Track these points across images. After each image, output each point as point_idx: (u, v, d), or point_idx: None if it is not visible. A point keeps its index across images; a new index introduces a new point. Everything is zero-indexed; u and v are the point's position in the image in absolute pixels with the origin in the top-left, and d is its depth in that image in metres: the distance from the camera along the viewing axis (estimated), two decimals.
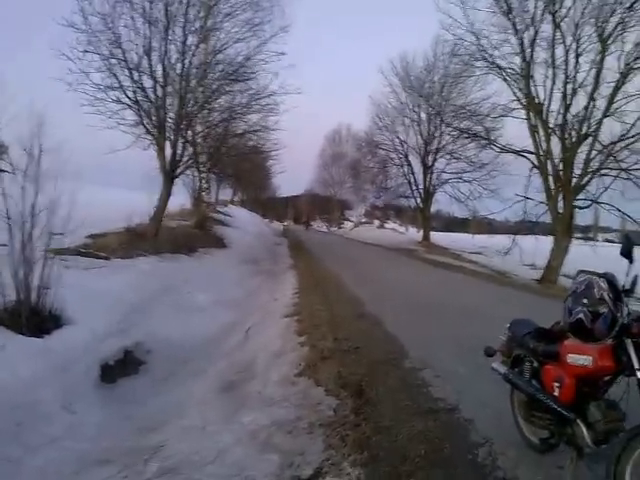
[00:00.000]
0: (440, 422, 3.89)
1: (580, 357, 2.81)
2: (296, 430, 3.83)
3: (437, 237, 32.69)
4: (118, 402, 5.49)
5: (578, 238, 18.05)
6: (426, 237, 30.89)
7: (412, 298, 9.71)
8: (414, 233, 38.73)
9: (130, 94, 12.43)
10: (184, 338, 7.56)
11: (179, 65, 12.84)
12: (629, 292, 2.73)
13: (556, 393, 3.01)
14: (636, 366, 2.52)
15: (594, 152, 15.75)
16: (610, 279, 2.75)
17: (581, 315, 2.78)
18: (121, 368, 6.26)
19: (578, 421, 2.84)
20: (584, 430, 2.79)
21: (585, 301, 2.79)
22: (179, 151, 13.34)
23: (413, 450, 3.42)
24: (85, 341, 5.75)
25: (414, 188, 31.23)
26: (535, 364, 3.31)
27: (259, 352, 6.51)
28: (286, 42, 13.98)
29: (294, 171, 72.37)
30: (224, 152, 17.06)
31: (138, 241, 11.35)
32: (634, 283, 2.74)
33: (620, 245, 2.84)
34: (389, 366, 5.35)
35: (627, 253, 2.75)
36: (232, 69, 13.74)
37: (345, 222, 69.40)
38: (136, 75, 12.35)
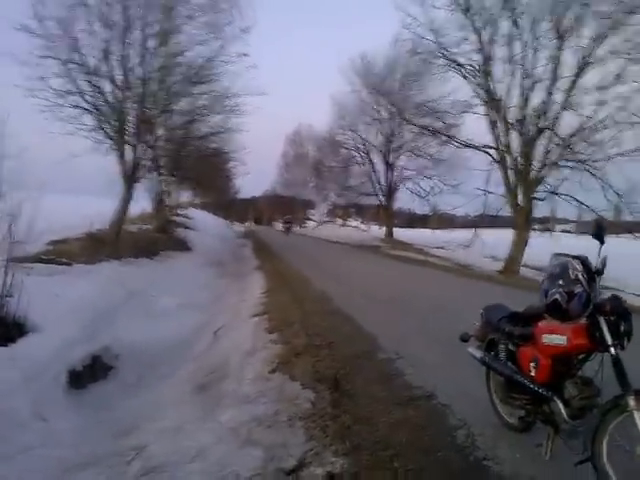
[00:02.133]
0: (418, 409, 3.98)
1: (555, 337, 2.94)
2: (276, 424, 3.85)
3: (400, 233, 33.15)
4: (89, 408, 5.41)
5: (536, 230, 18.61)
6: (389, 234, 31.28)
7: (381, 293, 9.84)
8: (376, 230, 39.05)
9: (89, 99, 12.16)
10: (152, 342, 7.48)
11: (139, 69, 12.62)
12: (600, 272, 2.88)
13: (532, 373, 3.14)
14: (609, 342, 2.68)
15: (552, 145, 16.31)
16: (584, 260, 2.90)
17: (557, 296, 2.91)
18: (90, 374, 6.17)
19: (555, 399, 2.97)
20: (561, 407, 2.92)
21: (561, 282, 2.91)
22: (140, 155, 13.13)
23: (393, 438, 3.50)
24: (52, 348, 5.64)
25: (377, 186, 31.56)
26: (511, 347, 3.43)
27: (230, 352, 6.49)
28: (248, 44, 13.94)
29: (255, 172, 71.74)
30: (185, 155, 16.88)
31: (100, 246, 11.14)
32: (604, 263, 2.88)
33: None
34: (363, 359, 5.42)
35: (598, 235, 2.90)
36: (193, 72, 13.63)
37: (308, 222, 69.45)
38: (95, 80, 12.09)
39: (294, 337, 6.40)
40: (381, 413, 3.92)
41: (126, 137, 12.70)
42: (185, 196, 34.13)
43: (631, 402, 2.53)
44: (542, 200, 17.16)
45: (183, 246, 17.19)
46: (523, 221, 16.67)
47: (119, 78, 12.37)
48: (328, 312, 7.95)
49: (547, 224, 19.41)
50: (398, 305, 8.54)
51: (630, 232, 16.52)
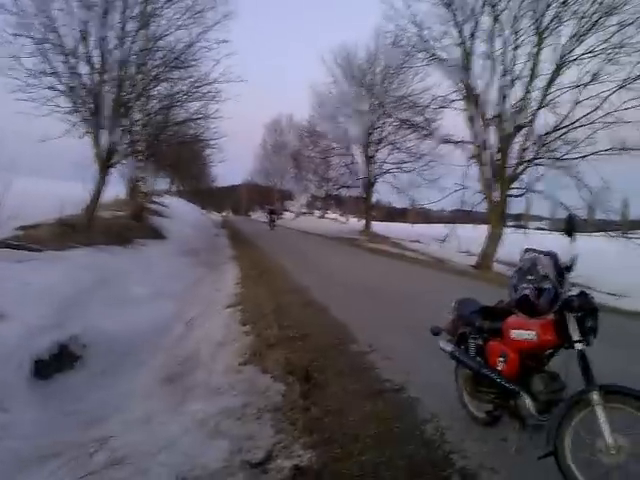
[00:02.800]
0: (389, 402, 4.01)
1: (524, 332, 2.99)
2: (245, 416, 3.84)
3: (378, 226, 33.18)
4: (55, 398, 5.30)
5: (511, 226, 18.85)
6: (367, 226, 31.32)
7: (356, 285, 9.86)
8: (355, 223, 39.05)
9: (65, 80, 11.85)
10: (122, 331, 7.37)
11: (117, 51, 12.35)
12: (570, 269, 2.92)
13: (500, 367, 3.18)
14: (575, 338, 2.74)
15: (529, 142, 16.44)
16: (553, 257, 2.93)
17: (527, 291, 2.94)
18: (56, 363, 6.03)
19: (522, 393, 3.02)
20: (528, 401, 2.97)
21: (530, 277, 2.95)
22: (115, 140, 12.88)
23: (363, 430, 3.51)
24: (16, 336, 5.50)
25: (356, 178, 31.57)
26: (480, 341, 3.47)
27: (202, 343, 6.45)
28: (229, 30, 13.79)
29: (234, 161, 70.80)
30: (163, 141, 16.65)
31: (71, 232, 10.92)
32: (574, 260, 2.93)
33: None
34: (336, 351, 5.43)
35: (569, 231, 2.94)
36: (173, 56, 13.39)
37: (286, 212, 69.32)
38: (72, 61, 11.76)
39: (267, 329, 6.38)
40: (351, 406, 3.94)
41: (102, 121, 12.43)
42: (161, 183, 33.79)
43: (595, 397, 2.59)
44: (517, 197, 17.32)
45: (158, 234, 16.95)
46: (498, 217, 16.82)
47: (96, 60, 12.09)
48: (303, 304, 7.94)
49: (521, 221, 19.63)
50: (373, 297, 8.57)
51: (603, 231, 16.85)
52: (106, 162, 12.61)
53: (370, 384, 4.42)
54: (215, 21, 13.39)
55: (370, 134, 29.97)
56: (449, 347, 3.72)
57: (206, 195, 61.04)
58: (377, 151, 30.27)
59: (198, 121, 17.38)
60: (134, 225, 15.80)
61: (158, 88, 14.63)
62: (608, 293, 11.52)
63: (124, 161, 14.96)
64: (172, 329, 7.84)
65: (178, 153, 21.28)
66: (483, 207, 17.77)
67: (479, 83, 17.14)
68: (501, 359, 3.19)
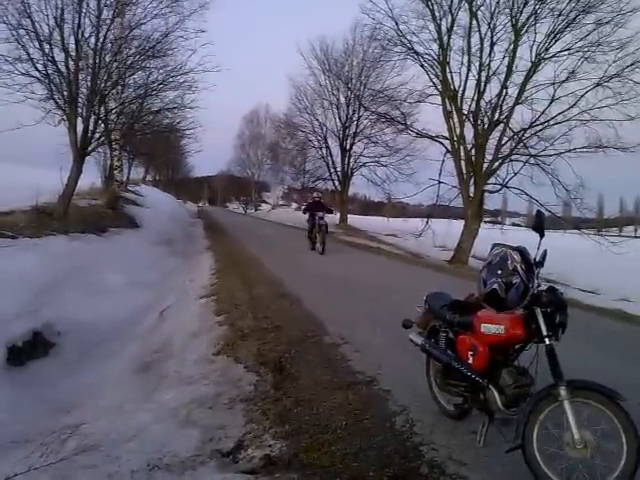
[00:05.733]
0: (360, 394, 4.04)
1: (493, 326, 3.02)
2: (216, 406, 3.86)
3: (354, 220, 33.27)
4: (28, 385, 5.26)
5: (487, 222, 19.11)
6: (343, 220, 31.38)
7: (331, 278, 9.90)
8: (331, 216, 39.06)
9: (40, 67, 11.57)
10: (96, 320, 7.32)
11: (93, 39, 12.07)
12: (539, 264, 2.96)
13: (470, 361, 3.21)
14: (544, 333, 2.77)
15: (505, 138, 16.68)
16: (523, 252, 2.97)
17: (495, 286, 2.96)
18: (30, 350, 5.99)
19: (490, 387, 3.06)
20: (496, 395, 3.01)
21: (499, 272, 2.97)
22: (91, 128, 12.62)
23: (334, 421, 3.55)
24: None
25: (332, 171, 31.55)
26: (451, 334, 3.50)
27: (175, 333, 6.44)
28: (206, 19, 13.62)
29: (210, 151, 69.93)
30: (138, 130, 16.43)
31: (46, 220, 10.74)
32: (544, 256, 2.97)
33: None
34: (309, 343, 5.46)
35: (538, 228, 2.97)
36: (149, 45, 13.17)
37: (263, 204, 68.98)
38: (47, 47, 11.49)
39: (241, 319, 6.40)
40: (323, 397, 3.97)
41: (78, 109, 12.19)
42: (137, 172, 33.31)
43: (562, 392, 2.64)
44: (493, 193, 17.59)
45: (133, 223, 16.73)
46: (474, 212, 17.01)
47: (72, 47, 11.82)
48: (277, 295, 7.95)
49: (498, 217, 19.95)
50: (347, 290, 8.61)
51: (578, 229, 17.17)
52: (81, 150, 12.37)
53: (342, 376, 4.46)
54: (192, 10, 13.21)
55: (347, 127, 29.96)
56: (420, 340, 3.75)
57: (182, 185, 60.35)
58: (353, 144, 30.25)
59: (174, 111, 17.15)
60: (110, 214, 15.57)
61: (134, 77, 14.43)
62: (580, 289, 11.75)
63: (99, 149, 14.73)
64: (146, 318, 7.81)
65: (154, 142, 20.97)
66: (459, 202, 17.93)
67: (456, 78, 17.32)
68: (471, 353, 3.21)
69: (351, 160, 30.56)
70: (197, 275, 10.51)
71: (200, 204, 73.76)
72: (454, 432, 3.44)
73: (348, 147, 30.26)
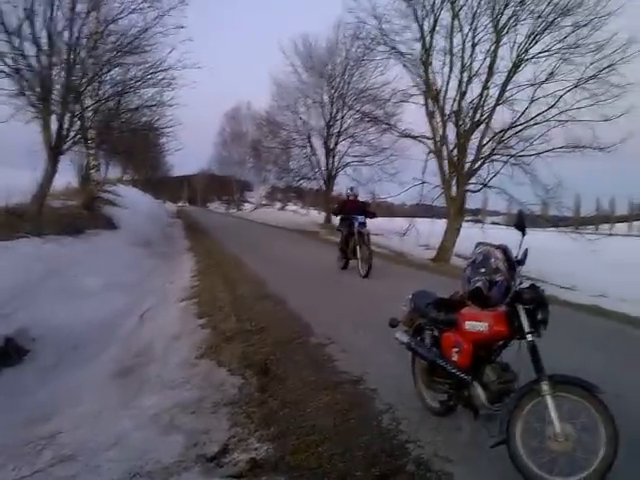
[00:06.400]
0: (346, 394, 4.05)
1: (477, 323, 3.08)
2: (200, 410, 3.82)
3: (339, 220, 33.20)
4: (1, 393, 5.15)
5: (469, 220, 19.31)
6: (328, 219, 31.36)
7: (316, 278, 9.92)
8: (316, 215, 38.98)
9: (9, 61, 11.32)
10: (73, 324, 7.20)
11: (67, 33, 11.89)
12: (521, 262, 3.05)
13: (455, 358, 3.27)
14: (526, 330, 2.85)
15: (486, 139, 16.83)
16: (505, 250, 3.05)
17: (479, 284, 3.02)
18: (3, 357, 5.87)
19: (475, 383, 3.12)
20: (481, 391, 3.08)
21: (483, 270, 3.04)
22: (66, 126, 12.41)
23: (321, 422, 3.55)
24: None
25: (316, 170, 31.51)
26: (436, 332, 3.56)
27: (156, 336, 6.36)
28: (186, 16, 13.46)
29: (191, 149, 69.02)
30: (115, 128, 16.22)
31: (19, 222, 10.54)
32: (525, 254, 3.06)
33: (507, 222, 3.18)
34: (294, 344, 5.45)
35: (520, 226, 3.07)
36: (126, 41, 12.99)
37: (245, 203, 68.62)
38: (16, 41, 11.25)
39: (224, 322, 6.35)
40: (309, 398, 3.97)
41: (51, 106, 11.97)
42: (114, 172, 32.92)
43: (544, 387, 2.72)
44: (475, 192, 17.74)
45: (110, 224, 16.52)
46: (456, 211, 17.16)
47: (44, 42, 11.60)
48: (260, 296, 7.90)
49: (479, 215, 20.18)
50: (333, 290, 8.64)
51: (556, 226, 17.46)
52: (55, 149, 12.17)
53: (328, 376, 4.46)
54: (171, 6, 13.05)
55: (330, 126, 29.93)
56: (405, 338, 3.79)
57: (161, 184, 59.68)
58: (337, 143, 30.24)
59: (153, 108, 17.00)
60: (86, 215, 15.34)
61: (110, 73, 14.20)
62: (558, 286, 11.90)
63: (75, 148, 14.48)
64: (125, 322, 7.70)
65: (132, 141, 20.72)
66: (442, 201, 18.05)
67: (438, 78, 17.41)
68: (455, 350, 3.27)
69: (335, 159, 30.55)
70: (177, 277, 10.41)
71: (180, 204, 73.20)
72: (440, 429, 3.49)
73: (332, 146, 30.24)
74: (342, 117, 29.11)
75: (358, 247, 10.27)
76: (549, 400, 2.72)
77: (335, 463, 3.05)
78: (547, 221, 18.74)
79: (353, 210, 10.80)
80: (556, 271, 13.55)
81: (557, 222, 18.33)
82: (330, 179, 30.66)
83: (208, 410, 3.84)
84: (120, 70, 14.37)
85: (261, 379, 4.39)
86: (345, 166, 30.46)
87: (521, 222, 3.10)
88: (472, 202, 18.90)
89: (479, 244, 3.22)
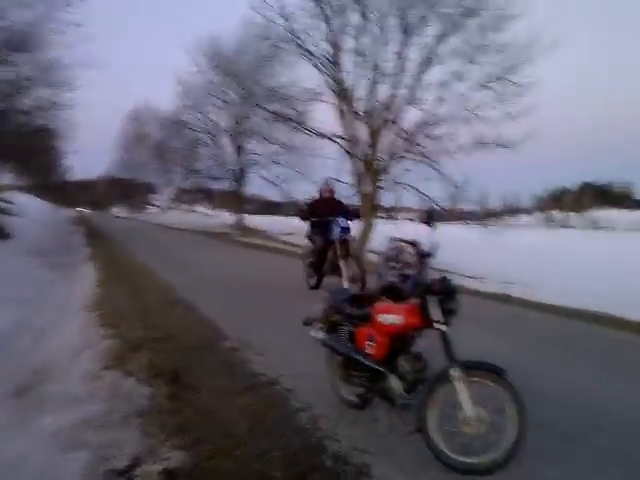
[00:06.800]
0: (262, 396, 4.05)
1: (391, 316, 3.19)
2: (107, 424, 3.65)
3: (253, 220, 32.98)
4: None
5: (383, 217, 19.82)
6: (241, 220, 31.01)
7: (227, 281, 9.82)
8: (227, 217, 38.35)
9: None
10: None
11: None
12: (431, 255, 3.21)
13: (370, 351, 3.37)
14: (437, 319, 3.00)
15: (397, 138, 17.46)
16: (416, 244, 3.21)
17: (392, 278, 3.19)
18: None
19: (390, 375, 3.24)
20: (396, 382, 3.21)
21: (395, 265, 3.20)
22: None
23: (236, 427, 3.52)
24: None
25: (226, 170, 31.04)
26: (351, 327, 3.63)
27: (57, 350, 6.00)
28: (84, 13, 12.83)
29: (91, 153, 65.65)
30: (5, 132, 15.14)
31: None
32: (434, 248, 3.22)
33: (419, 219, 3.34)
34: (207, 350, 5.37)
35: (428, 222, 3.24)
36: (16, 37, 12.15)
37: (150, 207, 66.30)
38: None
39: (130, 331, 6.09)
40: (224, 403, 3.93)
41: None
42: (5, 178, 30.70)
43: (455, 373, 2.89)
44: (387, 190, 18.35)
45: (2, 234, 15.45)
46: (369, 209, 17.63)
47: None
48: (169, 303, 7.71)
49: (392, 212, 20.73)
50: (245, 293, 8.58)
51: (464, 220, 18.45)
52: None
53: (243, 380, 4.44)
54: (66, 2, 12.35)
55: (240, 125, 29.60)
56: (321, 335, 3.85)
57: (59, 190, 56.30)
58: (247, 142, 29.99)
59: (47, 110, 16.02)
60: None
61: None
62: (468, 276, 12.47)
63: None
64: (22, 336, 7.19)
65: (24, 145, 19.43)
66: (357, 199, 18.35)
67: (349, 78, 17.77)
68: (370, 343, 3.37)
69: (246, 159, 30.27)
70: (79, 287, 9.88)
71: (80, 209, 69.48)
72: (357, 422, 3.57)
73: (242, 145, 29.93)
74: (252, 116, 28.81)
75: (342, 261, 8.06)
76: (460, 386, 2.88)
77: (252, 465, 3.04)
78: (456, 215, 19.73)
79: (329, 211, 8.54)
80: (466, 262, 14.19)
81: (466, 216, 19.34)
82: (240, 179, 30.36)
83: (116, 423, 3.68)
84: (8, 69, 13.38)
85: (172, 387, 4.26)
86: (256, 165, 30.25)
87: (430, 218, 3.28)
88: (387, 199, 19.41)
89: (391, 240, 3.35)
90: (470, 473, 2.90)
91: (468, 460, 2.91)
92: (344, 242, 8.15)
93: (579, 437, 3.45)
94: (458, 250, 14.58)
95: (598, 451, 3.29)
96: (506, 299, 9.04)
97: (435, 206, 16.67)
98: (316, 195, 9.48)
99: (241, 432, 3.44)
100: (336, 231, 8.13)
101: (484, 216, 20.03)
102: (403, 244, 3.27)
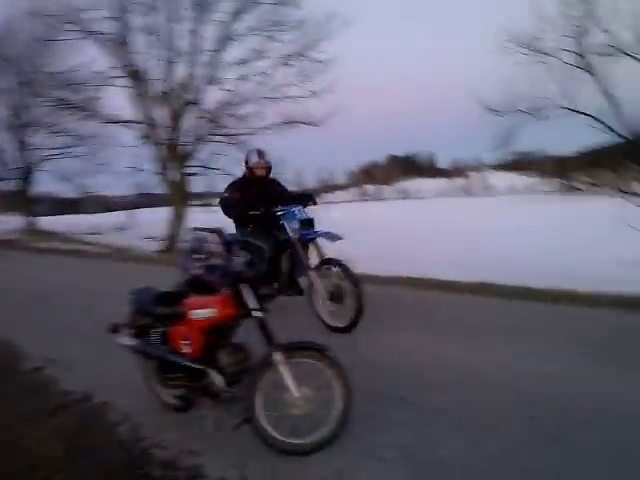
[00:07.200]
0: (74, 415, 3.75)
1: (204, 311, 3.09)
2: None
3: (48, 222, 29.76)
4: None
5: (199, 205, 19.15)
6: (32, 223, 27.74)
7: (20, 293, 8.75)
8: (14, 221, 33.87)
9: None
10: None
11: None
12: (233, 243, 3.15)
13: (186, 350, 3.25)
14: (253, 307, 2.98)
15: (201, 119, 16.98)
16: (219, 233, 3.13)
17: (198, 270, 3.10)
18: None
19: (210, 370, 3.15)
20: (217, 377, 3.13)
21: (200, 256, 3.11)
22: None
23: (49, 452, 3.20)
24: None
25: (9, 169, 27.43)
26: (162, 328, 3.46)
27: None
28: None
29: None
30: None
31: None
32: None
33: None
34: (4, 374, 4.75)
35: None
36: None
37: None
38: None
39: None
40: (29, 430, 3.53)
41: None
42: None
43: (276, 357, 2.90)
44: (195, 175, 17.88)
45: None
46: (179, 197, 17.16)
47: None
48: None
49: (209, 198, 20.13)
50: (43, 304, 7.79)
51: None
52: None
53: (50, 401, 4.04)
54: None
55: (19, 116, 26.19)
56: (129, 341, 3.62)
57: None
58: (31, 135, 26.69)
59: None
60: None
61: None
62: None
63: None
64: None
65: None
66: (164, 188, 17.84)
67: (142, 59, 16.90)
68: (185, 342, 3.26)
69: (32, 154, 26.97)
70: None
71: None
72: (182, 425, 3.48)
73: (24, 139, 26.56)
74: (33, 105, 25.61)
75: (313, 272, 5.60)
76: (283, 368, 2.91)
77: None
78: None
79: (268, 197, 6.05)
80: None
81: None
82: (28, 177, 27.11)
83: None
84: None
85: None
86: (45, 160, 27.11)
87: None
88: (201, 186, 18.85)
89: (192, 230, 3.24)
90: (302, 454, 2.97)
91: (300, 441, 2.97)
92: (307, 243, 5.78)
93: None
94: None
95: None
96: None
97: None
98: (239, 175, 6.71)
99: (55, 458, 3.14)
100: (294, 227, 5.64)
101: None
102: (205, 233, 3.18)
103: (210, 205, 20.32)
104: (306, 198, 6.19)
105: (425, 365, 4.34)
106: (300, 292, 5.83)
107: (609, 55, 6.58)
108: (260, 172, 6.15)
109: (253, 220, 5.90)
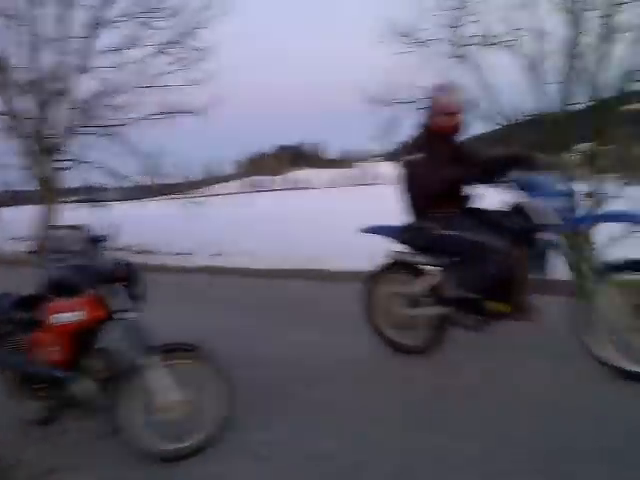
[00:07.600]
0: None
1: (68, 315, 2.90)
2: None
3: None
4: None
5: (72, 201, 17.96)
6: None
7: None
8: None
9: None
10: None
11: None
12: (104, 239, 3.00)
13: (49, 358, 3.03)
14: (124, 307, 2.85)
15: (72, 110, 15.70)
16: (82, 229, 2.95)
17: (59, 271, 2.90)
18: None
19: (77, 378, 2.97)
20: (84, 385, 2.96)
21: (62, 257, 2.89)
22: None
23: None
24: None
25: None
26: (22, 336, 3.21)
27: None
28: None
29: None
30: None
31: None
32: (110, 229, 3.01)
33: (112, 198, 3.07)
34: None
35: (96, 200, 2.99)
36: None
37: None
38: None
39: None
40: None
41: None
42: None
43: (148, 361, 2.79)
44: (67, 169, 16.63)
45: None
46: (49, 194, 15.84)
47: None
48: None
49: (90, 194, 19.01)
50: None
51: (165, 195, 18.18)
52: None
53: None
54: None
55: None
56: None
57: None
58: None
59: None
60: None
61: None
62: (177, 254, 12.27)
63: None
64: None
65: None
66: (34, 185, 16.40)
67: (3, 45, 15.27)
68: (49, 349, 3.03)
69: None
70: None
71: None
72: (47, 439, 3.25)
73: None
74: None
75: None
76: (157, 372, 2.79)
77: None
78: (156, 190, 19.19)
79: (469, 161, 4.04)
80: (170, 240, 13.88)
81: (167, 190, 18.88)
82: None
83: None
84: None
85: None
86: None
87: (94, 197, 3.01)
88: (77, 181, 17.60)
89: (51, 228, 3.00)
90: (183, 458, 2.88)
91: (179, 445, 2.90)
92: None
93: None
94: (160, 229, 14.38)
95: None
96: (214, 270, 9.33)
97: (131, 181, 15.85)
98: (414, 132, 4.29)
99: None
100: (554, 206, 3.54)
101: (187, 188, 19.94)
102: (65, 231, 2.97)
103: (92, 200, 19.23)
104: (523, 160, 3.82)
105: None
106: (530, 316, 3.74)
107: (483, 45, 7.06)
108: (455, 121, 3.98)
109: (457, 201, 3.99)
